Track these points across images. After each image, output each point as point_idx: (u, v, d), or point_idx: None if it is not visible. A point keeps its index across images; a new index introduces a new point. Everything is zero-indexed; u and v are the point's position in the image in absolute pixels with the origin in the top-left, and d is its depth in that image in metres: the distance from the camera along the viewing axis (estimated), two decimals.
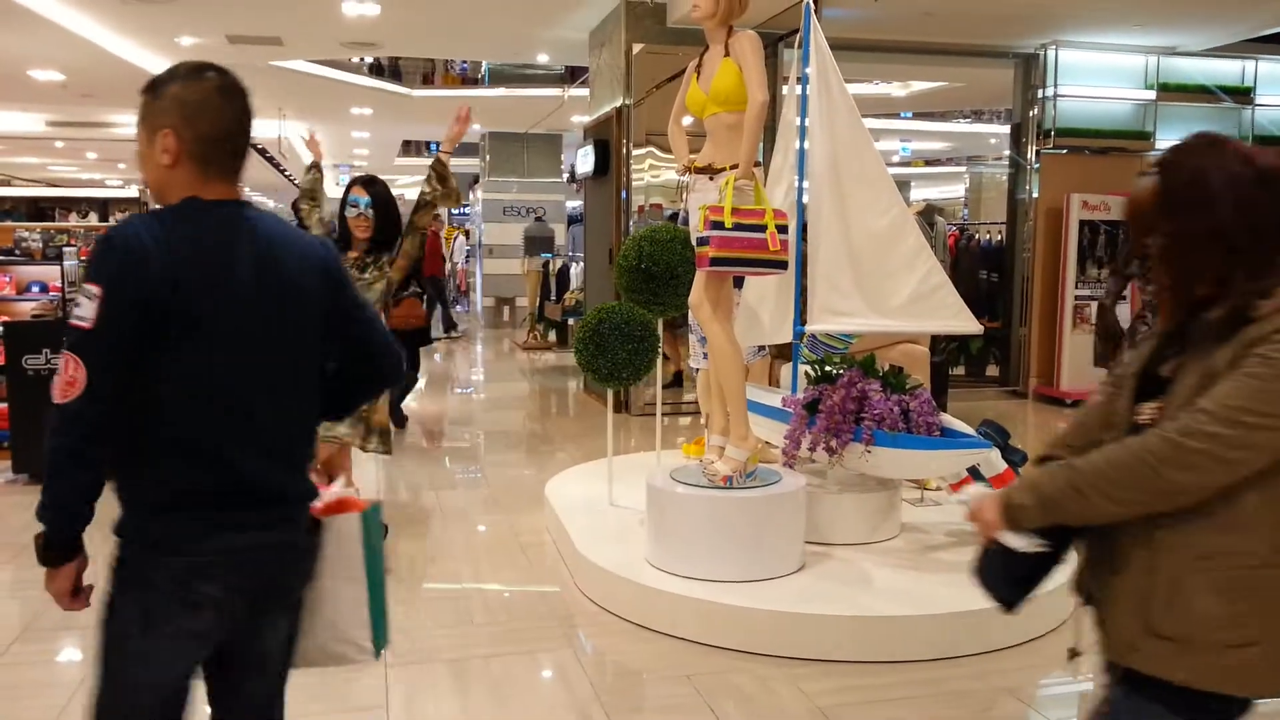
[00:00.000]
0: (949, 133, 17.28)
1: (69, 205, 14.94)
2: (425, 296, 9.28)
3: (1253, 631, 1.48)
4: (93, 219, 13.94)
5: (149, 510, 1.73)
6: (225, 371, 1.72)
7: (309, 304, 1.84)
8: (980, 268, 10.13)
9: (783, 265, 3.82)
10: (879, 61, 10.27)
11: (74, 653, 3.57)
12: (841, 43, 8.61)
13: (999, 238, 10.21)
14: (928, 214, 9.78)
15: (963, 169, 18.61)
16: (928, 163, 21.15)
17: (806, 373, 4.41)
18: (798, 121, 4.58)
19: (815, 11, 4.50)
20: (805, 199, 4.55)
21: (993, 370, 9.96)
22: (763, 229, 3.68)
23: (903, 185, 23.14)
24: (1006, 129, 10.31)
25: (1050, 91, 9.15)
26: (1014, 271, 9.60)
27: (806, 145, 4.51)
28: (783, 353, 5.28)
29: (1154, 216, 1.58)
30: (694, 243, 3.91)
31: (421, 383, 9.40)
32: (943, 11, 8.00)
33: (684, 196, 4.22)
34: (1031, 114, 9.33)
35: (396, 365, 2.03)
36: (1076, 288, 9.04)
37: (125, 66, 10.34)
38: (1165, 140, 9.39)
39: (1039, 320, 9.30)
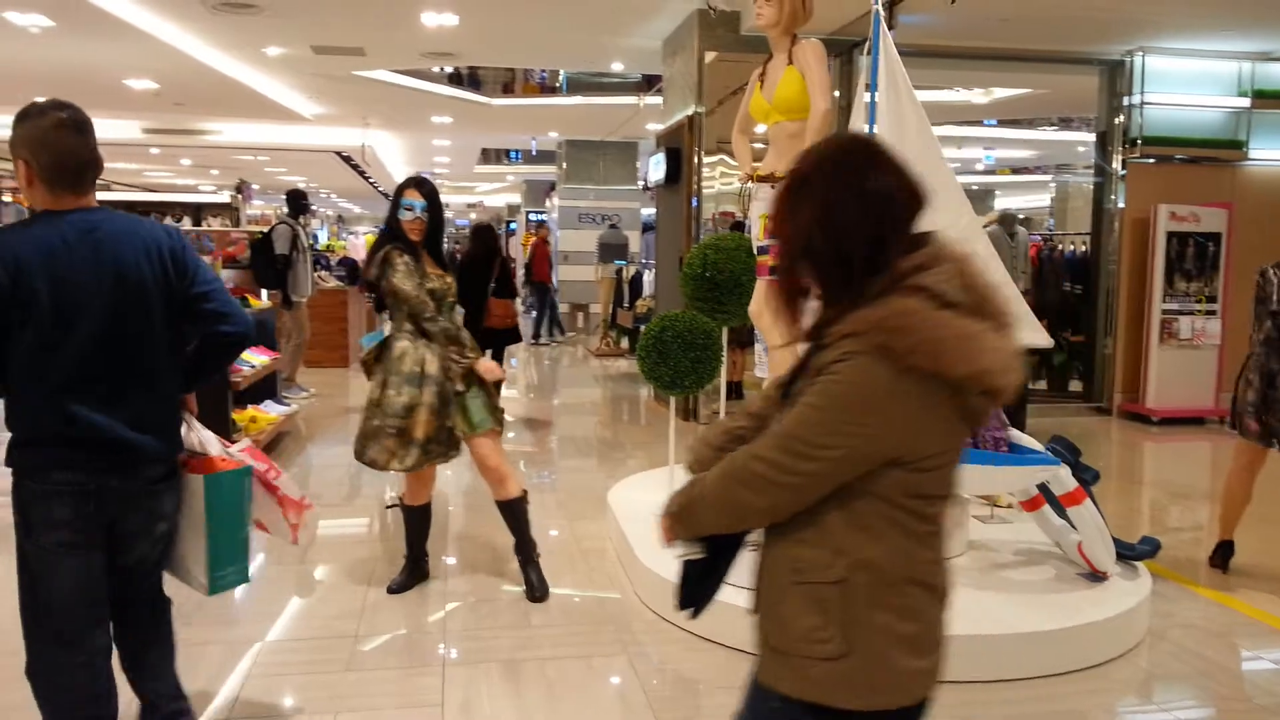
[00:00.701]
0: (1035, 140, 16.86)
1: (164, 210, 15.56)
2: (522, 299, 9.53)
3: (838, 645, 1.49)
4: (186, 223, 14.50)
5: (17, 445, 2.30)
6: (66, 343, 2.24)
7: (148, 286, 2.34)
8: (1064, 279, 9.86)
9: None
10: (958, 68, 10.09)
11: None
12: (918, 49, 8.57)
13: (1084, 248, 9.93)
14: (1007, 223, 9.55)
15: (1048, 178, 18.15)
16: (1014, 171, 20.69)
17: None
18: (867, 129, 4.52)
19: (889, 19, 4.44)
20: None
21: (1076, 385, 9.68)
22: None
23: (986, 194, 22.82)
24: (1094, 137, 10.02)
25: (1137, 99, 8.86)
26: (1099, 284, 9.32)
27: None
28: None
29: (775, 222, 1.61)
30: (754, 251, 3.89)
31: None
32: (1020, 17, 7.83)
33: (747, 205, 4.20)
34: (1117, 122, 9.06)
35: (246, 331, 2.55)
36: (1164, 301, 8.73)
37: (215, 76, 10.72)
38: (1259, 150, 9.03)
39: (1125, 334, 9.01)
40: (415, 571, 4.28)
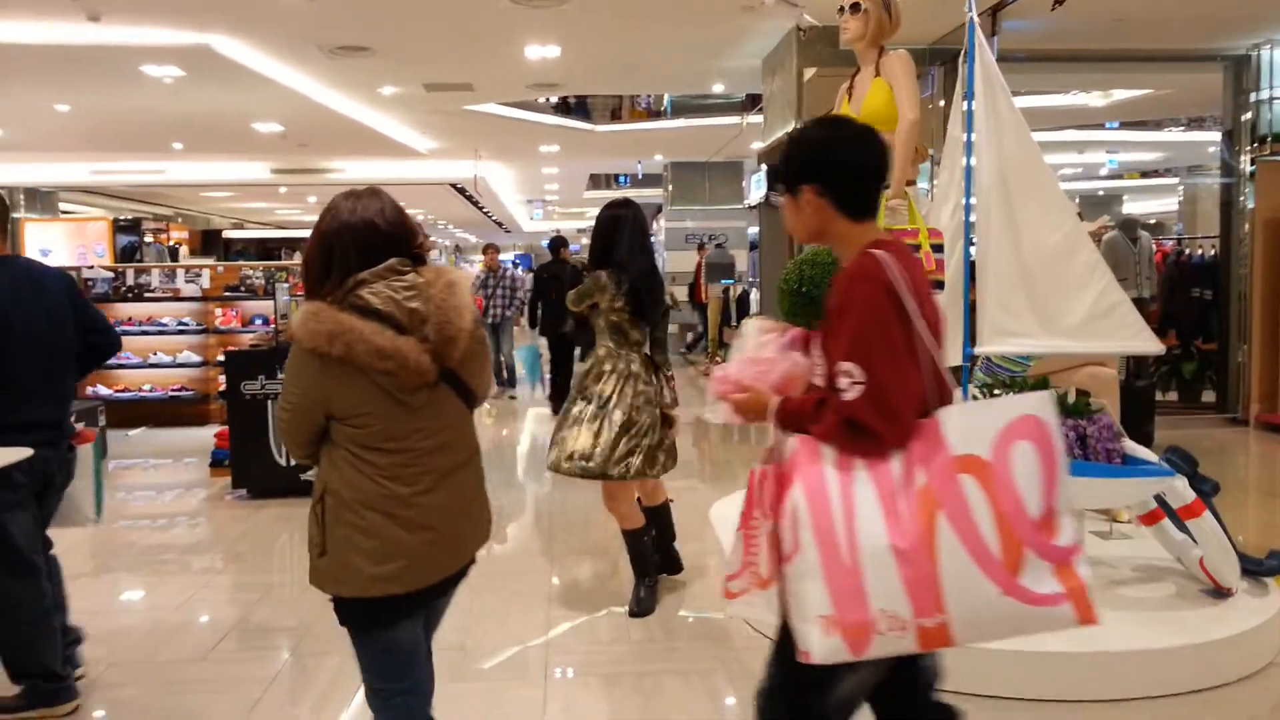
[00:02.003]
0: (1161, 142, 16.14)
1: (292, 245, 16.30)
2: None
3: (320, 548, 2.21)
4: None
5: None
6: (19, 353, 3.17)
7: (63, 311, 3.30)
8: (1193, 285, 9.40)
9: (939, 285, 3.72)
10: (1073, 71, 9.81)
11: (274, 652, 3.89)
12: (1030, 54, 8.39)
13: (1214, 252, 9.46)
14: (1129, 229, 9.17)
15: (1176, 180, 17.34)
16: (1143, 175, 19.83)
17: (974, 396, 4.25)
18: (964, 138, 4.44)
19: (992, 25, 4.37)
20: (973, 217, 4.40)
21: (1209, 396, 9.20)
22: (917, 248, 3.60)
23: (1113, 199, 21.91)
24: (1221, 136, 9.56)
25: (1265, 94, 8.43)
26: (1230, 289, 8.85)
27: (973, 162, 4.37)
28: (957, 376, 5.10)
29: None
30: None
31: None
32: (1135, 16, 7.56)
33: None
34: (1244, 119, 8.63)
35: (114, 343, 3.55)
36: None
37: (335, 116, 11.27)
38: None
39: (1260, 341, 8.52)
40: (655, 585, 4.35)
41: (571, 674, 3.62)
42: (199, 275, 9.41)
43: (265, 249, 14.25)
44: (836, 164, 1.96)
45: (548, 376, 10.03)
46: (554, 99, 13.42)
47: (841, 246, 2.00)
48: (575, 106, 14.72)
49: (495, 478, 6.88)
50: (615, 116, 15.19)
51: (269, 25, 7.88)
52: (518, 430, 9.38)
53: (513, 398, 10.84)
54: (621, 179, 21.39)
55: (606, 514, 4.31)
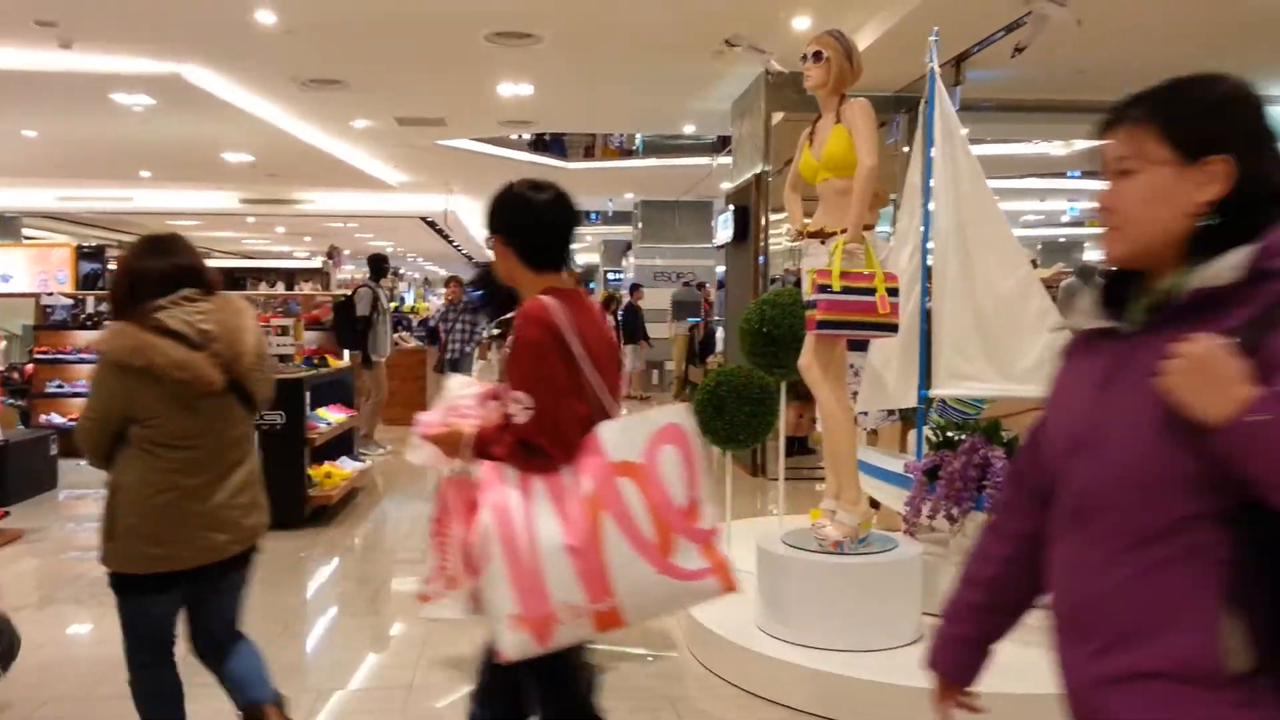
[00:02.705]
0: None
1: (259, 275, 16.25)
2: None
3: (109, 532, 2.64)
4: (280, 288, 15.11)
5: None
6: None
7: None
8: None
9: (893, 329, 3.77)
10: (1035, 121, 10.03)
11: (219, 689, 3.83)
12: (994, 103, 8.56)
13: None
14: (1086, 275, 9.31)
15: None
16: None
17: (929, 438, 4.31)
18: (923, 184, 4.54)
19: (956, 74, 4.48)
20: (930, 261, 4.49)
21: None
22: (872, 292, 3.65)
23: (1073, 245, 22.32)
24: None
25: None
26: None
27: (931, 207, 4.47)
28: (913, 418, 5.16)
29: None
30: (805, 305, 3.92)
31: None
32: (1096, 68, 7.77)
33: (798, 261, 4.25)
34: None
35: None
36: None
37: (306, 148, 11.28)
38: None
39: None
40: None
41: None
42: None
43: (232, 279, 14.10)
44: (520, 221, 2.27)
45: None
46: (527, 135, 13.53)
47: (525, 291, 2.26)
48: (549, 143, 14.85)
49: None
50: (589, 154, 15.32)
51: (242, 56, 7.90)
52: None
53: None
54: (592, 216, 21.50)
55: None
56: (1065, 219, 19.11)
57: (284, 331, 7.41)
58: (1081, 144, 12.17)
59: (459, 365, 10.56)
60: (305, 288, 15.10)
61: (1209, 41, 7.17)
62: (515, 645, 2.02)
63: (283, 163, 12.47)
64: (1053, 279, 8.38)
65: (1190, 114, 1.27)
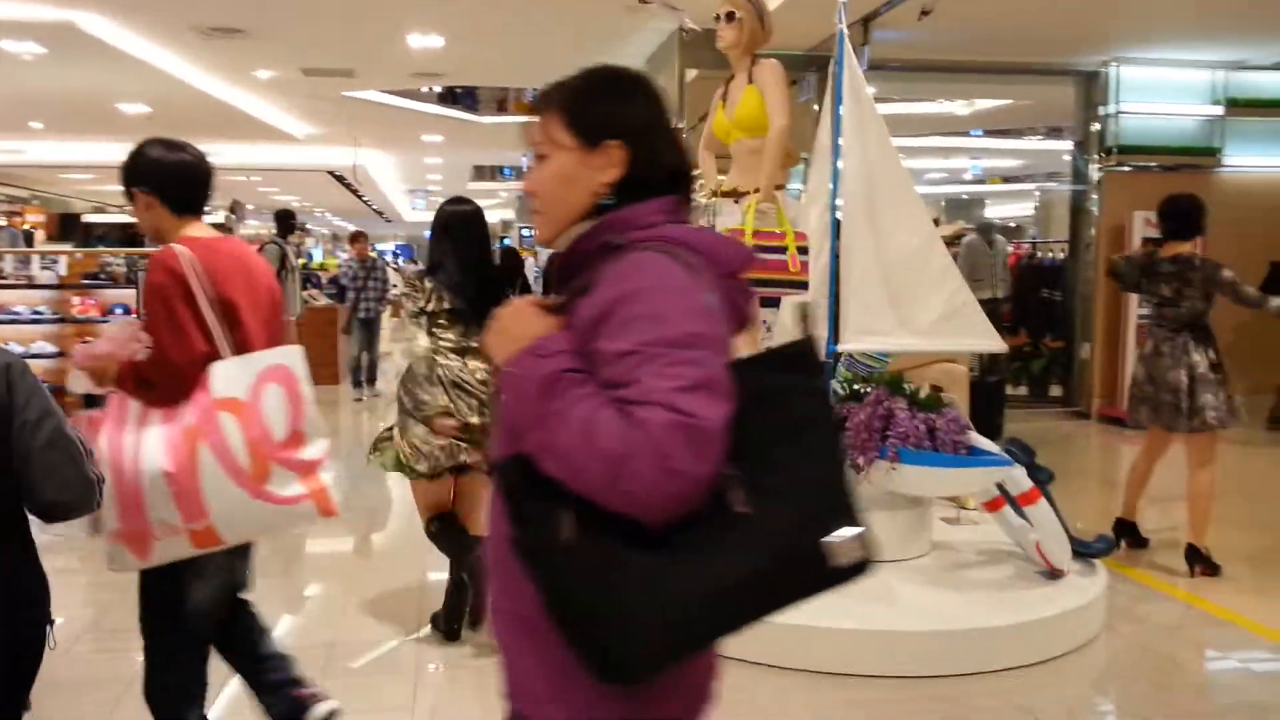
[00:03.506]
0: (1020, 150, 17.04)
1: None
2: None
3: None
4: None
5: None
6: None
7: None
8: (1043, 286, 9.99)
9: (804, 286, 3.90)
10: (940, 81, 10.26)
11: (133, 653, 3.81)
12: (900, 63, 8.74)
13: (1062, 255, 10.07)
14: (986, 232, 9.68)
15: (1033, 187, 18.31)
16: (1004, 180, 20.86)
17: (836, 391, 4.47)
18: (831, 144, 4.65)
19: (864, 35, 4.57)
20: (839, 218, 4.61)
21: (1057, 391, 9.80)
22: (783, 250, 3.77)
23: (976, 203, 22.95)
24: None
25: (1112, 109, 9.03)
26: (1076, 290, 9.46)
27: (840, 166, 4.59)
28: None
29: None
30: None
31: None
32: (997, 32, 7.99)
33: (711, 220, 4.34)
34: (1094, 131, 9.22)
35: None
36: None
37: (207, 99, 10.89)
38: (1234, 157, 9.19)
39: (1102, 340, 9.13)
40: None
41: (443, 667, 3.66)
42: (55, 262, 8.98)
43: (128, 234, 13.64)
44: (160, 172, 2.46)
45: None
46: (438, 88, 13.28)
47: (168, 238, 2.45)
48: (460, 96, 14.59)
49: (368, 472, 6.82)
50: (501, 108, 15.12)
51: (140, 4, 7.58)
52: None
53: (376, 395, 10.38)
54: (506, 171, 21.28)
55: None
56: (967, 177, 19.63)
57: None
58: (983, 103, 12.51)
59: (371, 325, 10.41)
60: None
61: (1098, 7, 7.45)
62: (115, 558, 2.36)
63: (182, 114, 12.01)
64: (954, 235, 8.68)
65: (590, 104, 1.40)
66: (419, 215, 31.73)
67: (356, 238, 10.79)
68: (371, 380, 10.50)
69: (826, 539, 1.22)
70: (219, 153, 16.93)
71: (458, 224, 3.70)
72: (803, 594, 1.29)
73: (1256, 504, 6.10)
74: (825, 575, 1.25)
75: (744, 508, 1.20)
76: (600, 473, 1.15)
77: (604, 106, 1.40)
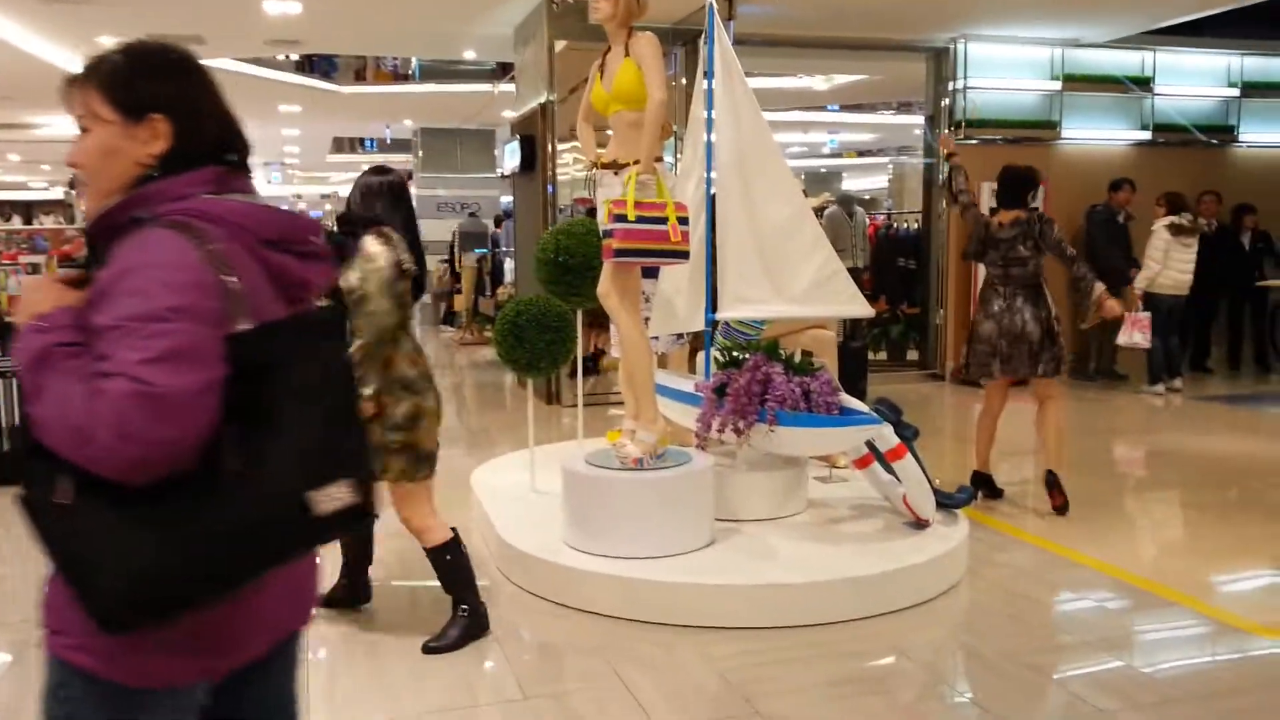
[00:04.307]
0: (874, 124, 17.67)
1: None
2: None
3: None
4: (16, 222, 13.72)
5: None
6: None
7: None
8: (900, 255, 10.46)
9: (685, 255, 4.01)
10: (799, 56, 10.55)
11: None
12: (762, 38, 8.95)
13: (917, 226, 10.55)
14: (846, 204, 10.06)
15: (887, 160, 19.03)
16: (861, 154, 21.59)
17: (716, 359, 4.61)
18: (705, 116, 4.77)
19: (727, 9, 4.68)
20: (714, 190, 4.74)
21: (914, 355, 10.30)
22: (664, 221, 3.86)
23: (834, 176, 23.68)
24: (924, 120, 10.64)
25: (961, 84, 9.49)
26: (930, 259, 9.94)
27: (713, 139, 4.71)
28: (700, 341, 5.48)
29: None
30: (601, 235, 4.09)
31: None
32: (851, 8, 8.28)
33: (592, 192, 4.39)
34: (944, 105, 9.67)
35: None
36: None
37: (46, 67, 10.19)
38: (1070, 129, 9.81)
39: (954, 306, 9.65)
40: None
41: (335, 650, 3.64)
42: None
43: None
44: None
45: None
46: (294, 56, 12.80)
47: None
48: (315, 64, 14.10)
49: None
50: (359, 77, 14.69)
51: None
52: None
53: None
54: (368, 143, 20.70)
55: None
56: (825, 150, 20.25)
57: (35, 270, 6.86)
58: (841, 79, 12.92)
59: None
60: (47, 221, 13.79)
61: None
62: None
63: (18, 84, 11.20)
64: (818, 208, 8.98)
65: (131, 78, 1.46)
66: (275, 189, 30.51)
67: None
68: None
69: (312, 491, 1.36)
70: (57, 124, 15.94)
71: (404, 192, 3.56)
72: (294, 545, 1.42)
73: (1085, 450, 6.61)
74: (314, 525, 1.37)
75: (236, 466, 1.30)
76: (68, 441, 1.25)
77: (145, 81, 1.45)
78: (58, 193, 12.41)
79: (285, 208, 1.64)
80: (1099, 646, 3.57)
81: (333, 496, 1.35)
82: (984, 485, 5.33)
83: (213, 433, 1.27)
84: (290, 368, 1.36)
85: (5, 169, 21.61)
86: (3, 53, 9.41)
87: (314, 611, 1.63)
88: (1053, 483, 5.05)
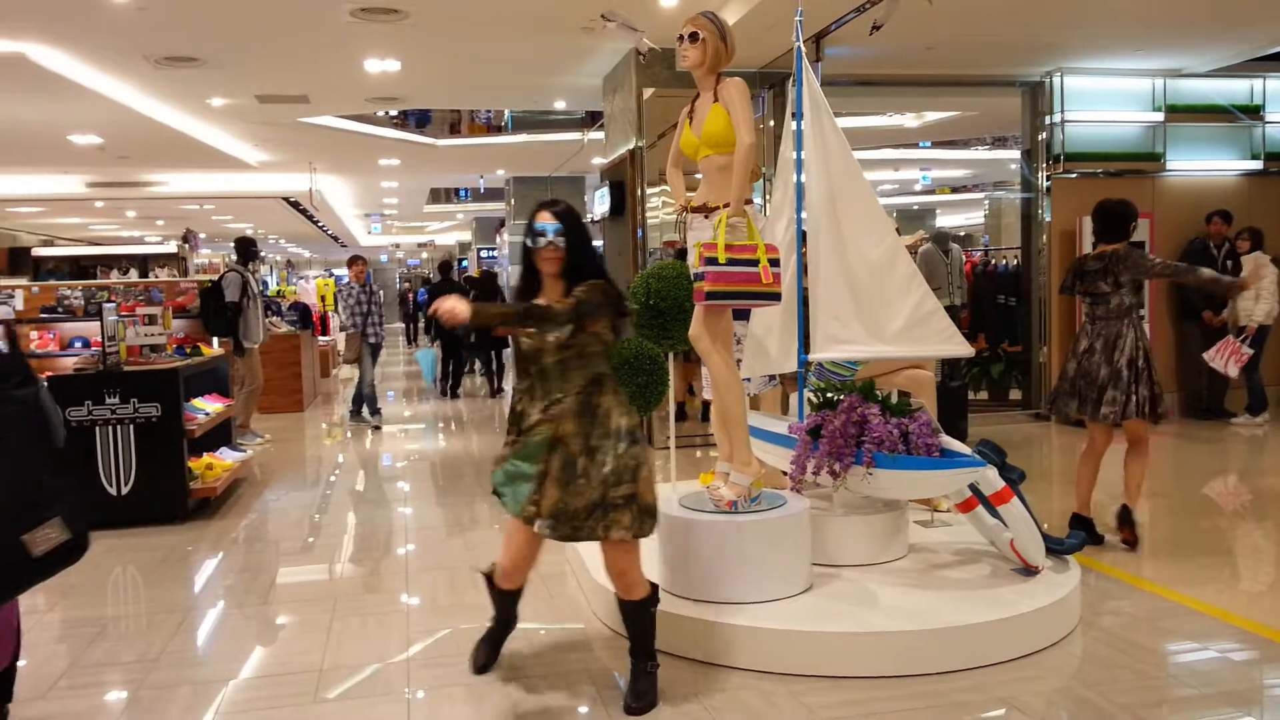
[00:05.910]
0: (968, 160, 17.40)
1: (110, 262, 15.48)
2: None
3: None
4: (133, 275, 14.41)
5: None
6: None
7: None
8: (998, 292, 10.21)
9: (776, 297, 3.98)
10: (890, 94, 10.47)
11: (113, 687, 3.76)
12: (850, 78, 8.93)
13: (1015, 262, 10.30)
14: (941, 241, 9.89)
15: (983, 195, 18.68)
16: (954, 190, 21.26)
17: (810, 400, 4.55)
18: (794, 158, 4.75)
19: (815, 52, 4.69)
20: (804, 229, 4.71)
21: (1016, 394, 10.00)
22: (755, 263, 3.84)
23: (927, 213, 23.35)
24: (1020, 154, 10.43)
25: (1058, 117, 9.28)
26: (1031, 295, 9.68)
27: (803, 179, 4.68)
28: (793, 382, 5.41)
29: None
30: (692, 278, 4.09)
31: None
32: (944, 45, 8.20)
33: (683, 235, 4.40)
34: (1040, 139, 9.47)
35: None
36: None
37: (159, 128, 10.79)
38: (1175, 161, 9.48)
39: (1058, 343, 9.35)
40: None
41: (434, 687, 3.67)
42: (11, 296, 8.83)
43: (79, 267, 13.40)
44: None
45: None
46: (393, 112, 13.27)
47: None
48: (415, 118, 14.58)
49: (341, 500, 6.82)
50: (454, 130, 15.14)
51: (92, 34, 7.51)
52: (384, 449, 9.24)
53: (377, 428, 10.16)
54: (463, 193, 21.27)
55: (456, 530, 4.26)
56: (918, 187, 19.98)
57: (151, 320, 7.17)
58: (932, 115, 12.79)
59: (378, 351, 10.31)
60: (161, 274, 14.43)
61: (1041, 20, 7.67)
62: None
63: (134, 144, 11.89)
64: (913, 245, 8.84)
65: None
66: (375, 239, 31.52)
67: (355, 261, 10.37)
68: (374, 409, 10.36)
69: (27, 534, 1.36)
70: (171, 181, 16.76)
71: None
72: (14, 585, 1.44)
73: (1198, 490, 6.28)
74: (32, 565, 1.39)
75: None
76: None
77: None
78: (171, 246, 13.01)
79: None
80: (1221, 700, 3.36)
81: (45, 537, 1.40)
82: (1084, 529, 5.11)
83: None
84: None
85: (123, 225, 22.86)
86: (121, 115, 9.99)
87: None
88: (1124, 518, 5.05)
